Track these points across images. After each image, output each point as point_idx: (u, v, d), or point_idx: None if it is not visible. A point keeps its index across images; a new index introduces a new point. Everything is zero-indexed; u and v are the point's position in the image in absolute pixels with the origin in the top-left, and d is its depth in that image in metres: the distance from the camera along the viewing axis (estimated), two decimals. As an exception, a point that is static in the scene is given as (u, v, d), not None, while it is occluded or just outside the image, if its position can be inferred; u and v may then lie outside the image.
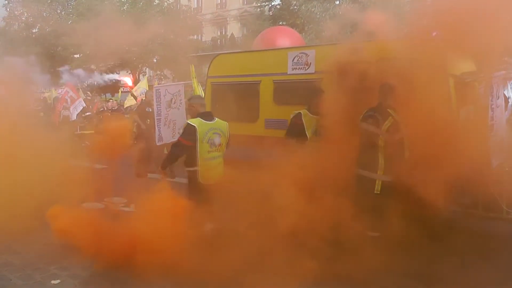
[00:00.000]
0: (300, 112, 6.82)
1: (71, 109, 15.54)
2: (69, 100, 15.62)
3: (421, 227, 5.37)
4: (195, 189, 6.13)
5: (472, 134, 5.74)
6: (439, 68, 6.10)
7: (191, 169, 6.18)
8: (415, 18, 6.43)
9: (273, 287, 4.85)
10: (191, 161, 6.16)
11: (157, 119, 9.13)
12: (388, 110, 6.03)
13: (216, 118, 6.38)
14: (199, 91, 10.44)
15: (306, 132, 6.75)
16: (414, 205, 5.35)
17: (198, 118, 6.20)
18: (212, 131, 6.17)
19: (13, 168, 7.00)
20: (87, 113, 17.56)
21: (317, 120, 6.79)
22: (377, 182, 6.01)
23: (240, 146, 6.91)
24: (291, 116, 6.94)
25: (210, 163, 6.17)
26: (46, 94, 21.32)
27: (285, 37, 9.75)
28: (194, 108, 6.42)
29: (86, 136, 14.24)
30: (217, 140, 6.18)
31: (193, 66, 11.47)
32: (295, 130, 6.79)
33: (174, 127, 9.31)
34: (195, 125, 6.06)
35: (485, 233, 6.37)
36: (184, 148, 6.16)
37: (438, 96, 5.99)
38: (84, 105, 16.43)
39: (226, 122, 6.44)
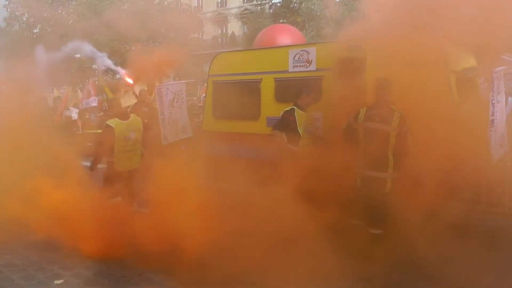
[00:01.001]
0: (293, 108, 6.77)
1: (83, 102, 15.60)
2: (86, 93, 15.76)
3: (425, 223, 5.35)
4: (112, 176, 7.16)
5: (474, 129, 5.75)
6: (440, 64, 6.10)
7: (110, 160, 7.23)
8: (414, 13, 6.40)
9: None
10: (110, 153, 7.15)
11: (161, 118, 9.09)
12: (391, 106, 5.88)
13: (132, 116, 7.42)
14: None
15: (298, 129, 6.69)
16: (418, 200, 5.33)
17: (115, 118, 7.23)
18: (128, 128, 7.20)
19: (14, 168, 7.00)
20: (101, 113, 17.55)
21: (306, 117, 6.83)
22: (388, 181, 5.83)
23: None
24: (282, 112, 6.86)
25: (126, 155, 7.24)
26: (48, 94, 21.31)
27: (286, 35, 9.73)
28: (115, 110, 7.52)
29: (91, 135, 14.21)
30: (132, 136, 7.25)
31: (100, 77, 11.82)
32: (285, 126, 6.69)
33: (177, 126, 9.30)
34: (112, 125, 7.10)
35: (487, 229, 6.35)
36: (109, 144, 7.09)
37: (439, 92, 6.00)
38: (96, 104, 16.41)
39: (139, 118, 7.51)
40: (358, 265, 5.02)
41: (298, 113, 6.73)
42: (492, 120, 5.64)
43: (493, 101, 5.65)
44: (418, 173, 5.53)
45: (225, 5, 45.66)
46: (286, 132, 6.68)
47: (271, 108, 7.95)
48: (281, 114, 6.85)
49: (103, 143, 7.12)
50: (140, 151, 7.51)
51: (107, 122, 7.22)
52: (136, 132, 7.34)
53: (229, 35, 42.83)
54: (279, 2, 32.26)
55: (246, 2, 42.91)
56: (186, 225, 5.56)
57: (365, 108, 6.02)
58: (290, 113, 6.74)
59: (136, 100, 14.64)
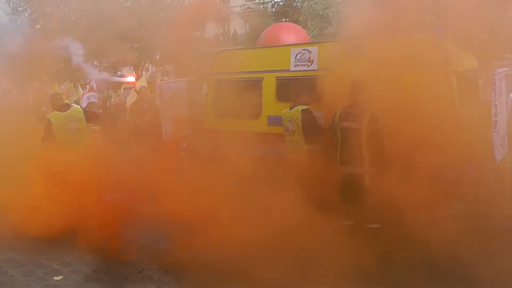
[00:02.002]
0: (309, 107, 6.81)
1: (84, 97, 15.56)
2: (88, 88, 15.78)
3: (425, 223, 5.35)
4: None
5: (475, 130, 5.76)
6: (441, 65, 6.10)
7: None
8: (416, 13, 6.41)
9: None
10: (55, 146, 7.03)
11: (161, 115, 9.14)
12: (363, 105, 6.13)
13: (72, 107, 7.45)
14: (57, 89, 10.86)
15: None
16: (418, 200, 5.33)
17: (54, 111, 7.25)
18: (68, 119, 7.16)
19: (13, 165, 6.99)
20: (100, 110, 17.49)
21: None
22: (365, 176, 6.04)
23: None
24: (304, 112, 6.80)
25: (71, 148, 6.98)
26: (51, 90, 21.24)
27: (290, 34, 9.72)
28: (54, 103, 7.45)
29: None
30: (73, 126, 7.17)
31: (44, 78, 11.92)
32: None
33: (176, 123, 9.31)
34: (49, 118, 7.12)
35: (487, 230, 6.34)
36: (49, 137, 7.06)
37: (440, 93, 6.01)
38: (96, 100, 16.33)
39: (80, 109, 7.52)
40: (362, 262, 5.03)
41: None
42: (495, 122, 5.65)
43: (495, 103, 5.65)
44: (416, 172, 5.55)
45: (228, 3, 45.60)
46: (311, 131, 6.75)
47: (272, 106, 7.95)
48: (307, 114, 6.80)
49: (45, 137, 7.08)
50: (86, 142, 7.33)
51: (46, 116, 7.25)
52: (78, 123, 7.25)
53: (231, 33, 42.75)
54: (281, 1, 32.17)
55: (249, 1, 42.86)
56: (186, 224, 5.59)
57: (340, 110, 6.29)
58: (311, 111, 6.80)
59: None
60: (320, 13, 26.42)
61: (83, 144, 7.23)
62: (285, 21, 28.35)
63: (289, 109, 7.01)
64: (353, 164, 6.07)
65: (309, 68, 7.58)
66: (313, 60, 7.56)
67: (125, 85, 21.39)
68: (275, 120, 7.73)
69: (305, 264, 4.95)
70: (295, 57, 7.77)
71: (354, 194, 6.03)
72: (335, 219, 5.69)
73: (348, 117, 6.17)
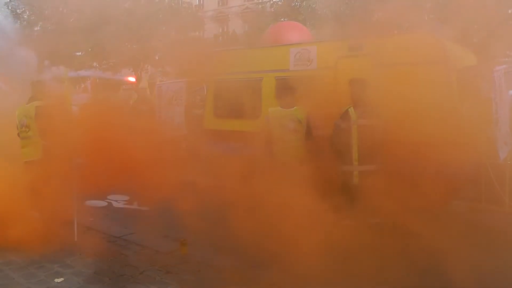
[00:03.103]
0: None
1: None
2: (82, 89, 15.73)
3: (427, 221, 5.33)
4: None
5: (475, 127, 5.76)
6: (441, 63, 6.10)
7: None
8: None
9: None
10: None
11: (158, 116, 9.16)
12: (371, 102, 6.03)
13: (34, 101, 7.06)
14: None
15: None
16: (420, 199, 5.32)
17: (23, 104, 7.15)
18: (22, 113, 7.05)
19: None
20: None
21: None
22: (381, 172, 5.92)
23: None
24: (307, 114, 6.56)
25: (22, 143, 7.08)
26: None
27: (293, 32, 9.68)
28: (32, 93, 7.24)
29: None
30: (24, 122, 7.00)
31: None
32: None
33: (172, 123, 9.33)
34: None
35: (487, 227, 6.33)
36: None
37: (440, 91, 6.00)
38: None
39: (34, 104, 7.02)
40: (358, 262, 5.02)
41: None
42: (496, 119, 5.66)
43: (496, 100, 5.66)
44: (417, 170, 5.55)
45: (226, 3, 45.63)
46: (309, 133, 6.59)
47: (272, 107, 7.92)
48: (308, 116, 6.60)
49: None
50: (37, 141, 6.96)
51: None
52: (28, 119, 6.97)
53: (230, 33, 42.75)
54: (280, 1, 32.18)
55: (247, 1, 42.88)
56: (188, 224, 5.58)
57: (351, 107, 6.11)
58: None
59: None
60: (319, 12, 26.40)
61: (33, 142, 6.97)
62: (284, 20, 28.36)
63: (285, 108, 6.71)
64: (373, 161, 5.96)
65: (309, 68, 7.56)
66: (312, 59, 7.55)
67: (123, 87, 21.38)
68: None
69: (307, 266, 4.93)
70: (294, 56, 7.76)
71: (369, 192, 5.78)
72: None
73: (365, 115, 6.02)
